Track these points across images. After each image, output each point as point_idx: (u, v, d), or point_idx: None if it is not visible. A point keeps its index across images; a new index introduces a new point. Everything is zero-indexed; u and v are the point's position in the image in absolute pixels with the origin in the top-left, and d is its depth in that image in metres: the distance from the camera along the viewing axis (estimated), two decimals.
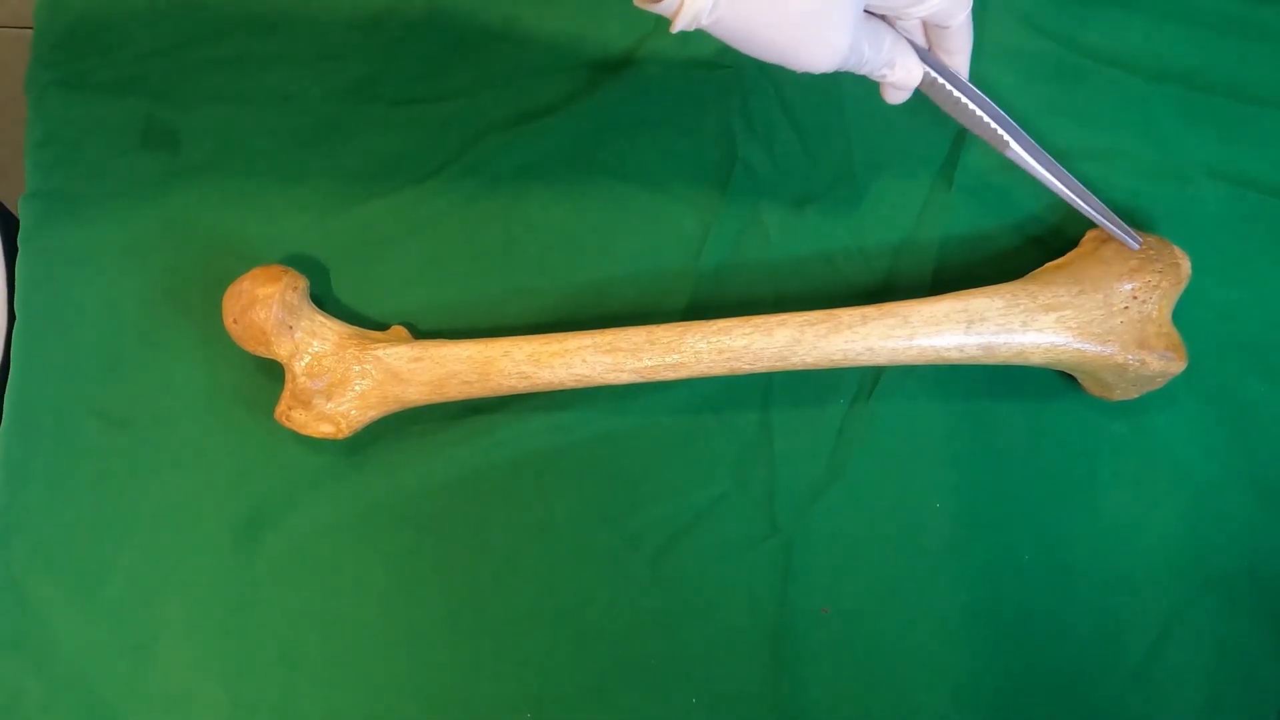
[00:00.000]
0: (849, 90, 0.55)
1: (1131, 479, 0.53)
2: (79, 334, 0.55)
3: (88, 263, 0.55)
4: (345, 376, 0.51)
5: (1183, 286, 0.49)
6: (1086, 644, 0.52)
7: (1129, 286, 0.48)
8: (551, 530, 0.54)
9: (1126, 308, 0.48)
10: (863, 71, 0.44)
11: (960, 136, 0.54)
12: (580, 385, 0.50)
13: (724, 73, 0.55)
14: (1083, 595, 0.52)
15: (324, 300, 0.55)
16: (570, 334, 0.50)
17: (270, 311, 0.50)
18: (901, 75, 0.45)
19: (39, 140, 0.56)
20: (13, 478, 0.54)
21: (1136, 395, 0.51)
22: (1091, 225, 0.51)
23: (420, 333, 0.55)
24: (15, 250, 0.56)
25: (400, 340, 0.52)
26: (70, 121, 0.56)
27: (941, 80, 0.46)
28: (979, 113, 0.47)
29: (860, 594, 0.53)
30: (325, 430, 0.51)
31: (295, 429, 0.51)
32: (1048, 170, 0.48)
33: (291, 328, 0.51)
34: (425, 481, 0.54)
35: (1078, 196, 0.48)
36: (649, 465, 0.54)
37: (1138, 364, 0.48)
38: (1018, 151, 0.48)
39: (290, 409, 0.51)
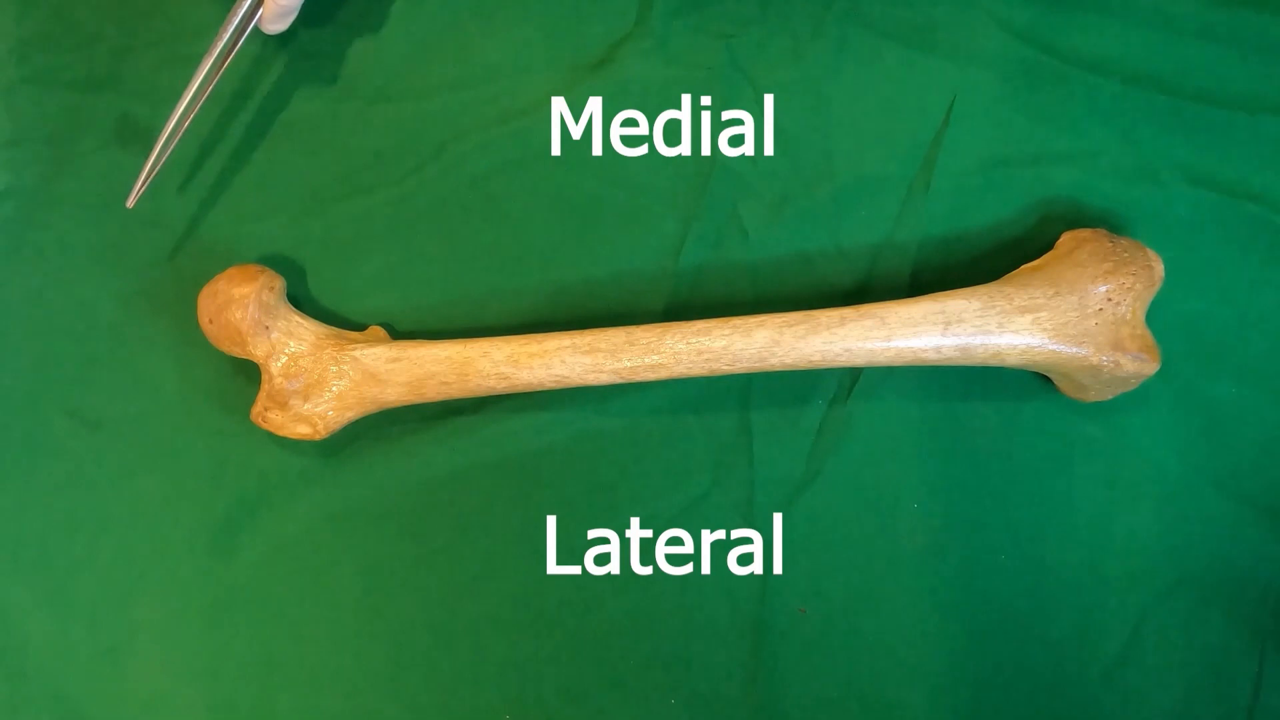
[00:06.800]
0: (828, 90, 0.55)
1: (1105, 479, 0.53)
2: (51, 333, 0.54)
3: (60, 262, 0.55)
4: (322, 377, 0.50)
5: (1156, 289, 0.49)
6: (1061, 642, 0.53)
7: (1104, 289, 0.49)
8: (530, 531, 0.54)
9: (1101, 310, 0.49)
10: None
11: (938, 139, 0.54)
12: (559, 386, 0.50)
13: (703, 73, 0.55)
14: (1057, 594, 0.53)
15: (301, 300, 0.55)
16: (549, 335, 0.50)
17: (246, 311, 0.50)
18: None
19: (10, 138, 0.55)
20: None
21: (1111, 396, 0.51)
22: (1067, 228, 0.52)
23: (398, 333, 0.54)
24: None
25: (378, 341, 0.52)
26: (42, 119, 0.55)
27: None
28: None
29: (838, 594, 0.53)
30: (302, 431, 0.51)
31: (272, 430, 0.51)
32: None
33: (268, 328, 0.50)
34: (403, 483, 0.54)
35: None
36: (628, 466, 0.54)
37: (1112, 365, 0.49)
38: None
39: (266, 410, 0.51)
